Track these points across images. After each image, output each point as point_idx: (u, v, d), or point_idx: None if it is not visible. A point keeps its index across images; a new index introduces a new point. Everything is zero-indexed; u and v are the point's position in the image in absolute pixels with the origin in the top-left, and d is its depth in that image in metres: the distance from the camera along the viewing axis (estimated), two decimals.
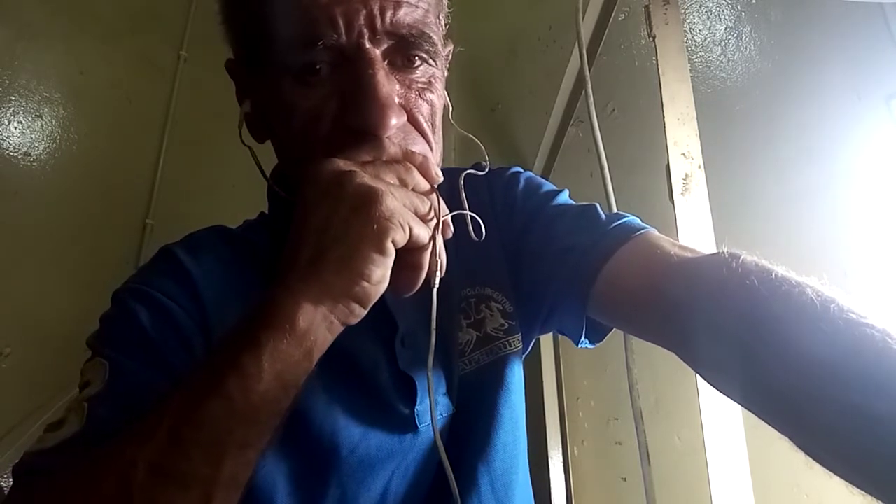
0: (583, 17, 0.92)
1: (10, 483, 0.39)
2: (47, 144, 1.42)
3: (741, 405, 0.38)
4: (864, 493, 0.28)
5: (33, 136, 1.39)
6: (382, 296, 0.51)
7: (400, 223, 0.37)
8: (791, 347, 0.32)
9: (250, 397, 0.33)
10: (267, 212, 0.60)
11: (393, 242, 0.36)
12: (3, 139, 1.33)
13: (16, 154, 1.35)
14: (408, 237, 0.38)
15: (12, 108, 1.37)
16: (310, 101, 0.43)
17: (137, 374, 0.44)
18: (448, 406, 0.52)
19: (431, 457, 0.50)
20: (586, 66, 0.88)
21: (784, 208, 0.91)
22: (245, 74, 0.51)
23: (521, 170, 0.62)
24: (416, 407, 0.49)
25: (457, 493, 0.43)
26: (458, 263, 0.56)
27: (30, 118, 1.40)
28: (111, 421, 0.40)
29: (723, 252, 0.39)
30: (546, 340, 1.28)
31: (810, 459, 0.31)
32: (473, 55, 1.76)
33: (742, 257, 0.38)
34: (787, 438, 0.33)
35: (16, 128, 1.36)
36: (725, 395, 0.39)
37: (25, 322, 1.27)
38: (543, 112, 1.29)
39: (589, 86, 0.84)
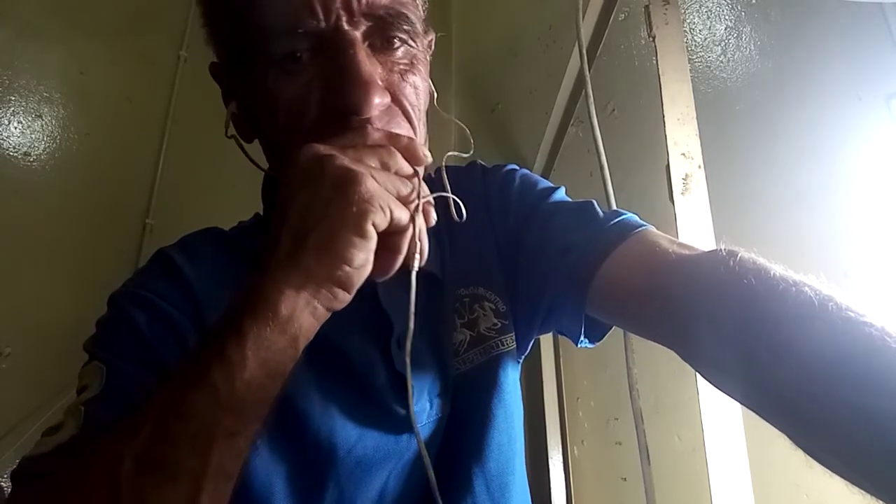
0: (583, 17, 0.92)
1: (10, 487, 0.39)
2: (47, 144, 1.42)
3: (740, 403, 0.38)
4: (863, 491, 0.28)
5: (33, 136, 1.39)
6: (377, 297, 0.51)
7: (380, 206, 0.36)
8: (789, 346, 0.32)
9: (235, 386, 0.33)
10: (262, 213, 0.60)
11: (374, 225, 0.36)
12: (3, 139, 1.33)
13: (16, 154, 1.35)
14: (388, 220, 0.37)
15: (12, 108, 1.36)
16: (293, 90, 0.43)
17: (133, 376, 0.44)
18: (443, 407, 0.51)
19: (428, 456, 0.50)
20: (586, 66, 0.88)
21: (784, 208, 0.91)
22: (229, 75, 0.51)
23: (516, 167, 0.62)
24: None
25: (435, 488, 0.43)
26: (452, 263, 0.56)
27: (30, 118, 1.39)
28: (108, 424, 0.40)
29: (721, 250, 0.39)
30: (546, 340, 1.28)
31: (810, 459, 0.31)
32: (473, 55, 1.76)
33: (740, 255, 0.38)
34: (786, 436, 0.33)
35: (16, 128, 1.36)
36: (725, 392, 0.39)
37: (25, 322, 1.27)
38: (543, 112, 1.29)
39: (589, 86, 0.84)
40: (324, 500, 0.46)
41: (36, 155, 1.39)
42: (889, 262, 0.78)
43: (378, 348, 0.50)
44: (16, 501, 0.38)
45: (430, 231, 0.56)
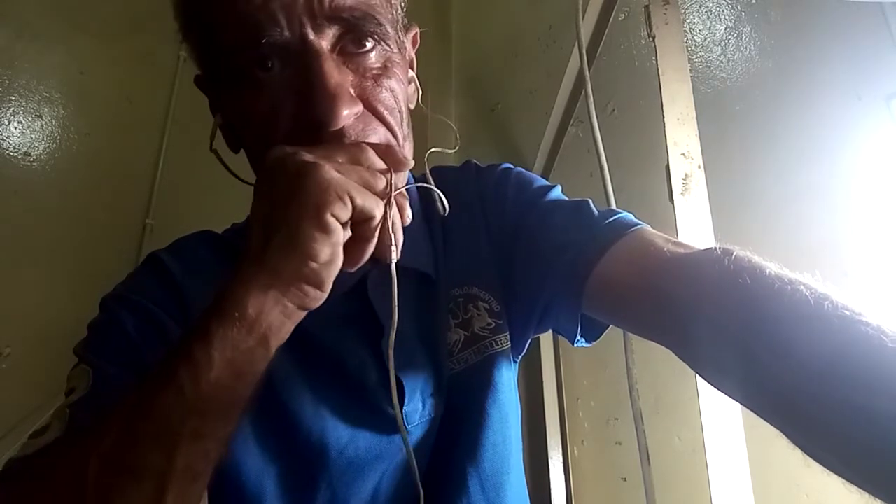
0: (583, 17, 0.92)
1: None
2: (47, 144, 1.42)
3: (738, 402, 0.38)
4: (861, 490, 0.28)
5: (33, 136, 1.39)
6: (367, 297, 0.51)
7: (338, 195, 0.35)
8: (786, 346, 0.32)
9: (201, 386, 0.33)
10: None
11: (335, 216, 0.35)
12: (3, 139, 1.33)
13: (16, 154, 1.35)
14: (350, 209, 0.36)
15: (12, 108, 1.37)
16: (264, 103, 0.43)
17: (120, 379, 0.44)
18: (436, 407, 0.51)
19: (421, 457, 0.50)
20: (586, 66, 0.88)
21: (784, 208, 0.91)
22: (210, 88, 0.51)
23: (511, 166, 0.61)
24: (405, 408, 0.49)
25: (420, 488, 0.44)
26: (446, 263, 0.56)
27: (30, 118, 1.40)
28: None
29: (716, 248, 0.39)
30: (546, 340, 1.28)
31: (808, 458, 0.31)
32: (473, 55, 1.76)
33: (735, 254, 0.38)
34: (784, 436, 0.33)
35: (16, 128, 1.36)
36: (721, 391, 0.39)
37: (25, 322, 1.27)
38: (543, 112, 1.29)
39: (589, 86, 0.84)
40: (316, 501, 0.46)
41: (36, 155, 1.39)
42: (889, 262, 0.78)
43: (369, 349, 0.50)
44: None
45: (424, 231, 0.56)
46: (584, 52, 0.89)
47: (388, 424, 0.49)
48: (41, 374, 1.23)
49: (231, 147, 0.52)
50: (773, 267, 0.36)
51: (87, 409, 0.42)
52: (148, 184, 1.59)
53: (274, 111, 0.43)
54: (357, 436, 0.48)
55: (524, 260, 0.54)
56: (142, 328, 0.47)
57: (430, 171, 0.52)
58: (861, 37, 0.89)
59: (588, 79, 0.85)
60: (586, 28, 0.94)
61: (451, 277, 0.55)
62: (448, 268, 0.56)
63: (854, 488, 0.29)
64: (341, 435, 0.48)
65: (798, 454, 0.32)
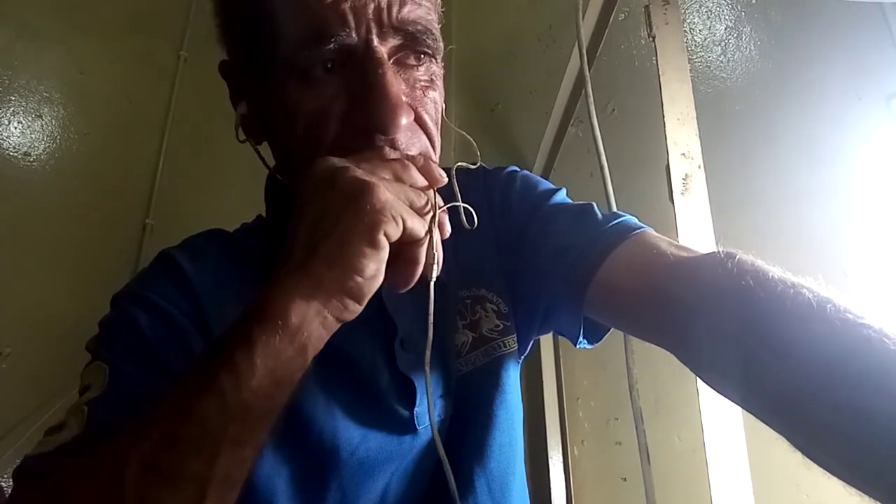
0: (583, 17, 0.92)
1: (11, 485, 0.39)
2: (47, 144, 1.42)
3: (739, 406, 0.38)
4: (861, 492, 0.28)
5: (33, 136, 1.39)
6: (381, 299, 0.51)
7: (392, 216, 0.36)
8: (788, 348, 0.32)
9: (243, 394, 0.33)
10: (264, 214, 0.60)
11: (386, 236, 0.36)
12: (3, 139, 1.33)
13: (16, 154, 1.35)
14: (401, 230, 0.37)
15: (12, 108, 1.37)
16: (315, 102, 0.43)
17: (136, 377, 0.44)
18: (446, 408, 0.52)
19: (430, 458, 0.50)
20: (586, 66, 0.88)
21: (784, 208, 0.91)
22: (241, 76, 0.50)
23: (517, 169, 0.62)
24: (416, 409, 0.49)
25: (455, 492, 0.43)
26: (454, 265, 0.56)
27: (30, 118, 1.40)
28: (110, 424, 0.40)
29: (719, 252, 0.39)
30: (546, 340, 1.28)
31: (807, 459, 0.31)
32: (473, 55, 1.76)
33: (738, 257, 0.38)
34: (784, 439, 0.33)
35: (16, 128, 1.36)
36: (723, 395, 0.39)
37: (25, 322, 1.27)
38: (543, 112, 1.29)
39: (589, 86, 0.84)
40: (326, 502, 0.46)
41: (36, 155, 1.39)
42: (889, 262, 0.78)
43: (382, 350, 0.50)
44: (18, 500, 0.38)
45: None
46: (584, 52, 0.89)
47: (399, 425, 0.49)
48: (41, 374, 1.23)
49: (254, 138, 0.51)
50: (776, 270, 0.36)
51: (106, 408, 0.42)
52: (148, 184, 1.59)
53: (322, 110, 0.43)
54: (368, 436, 0.48)
55: (528, 262, 0.54)
56: (154, 325, 0.47)
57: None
58: (861, 37, 0.89)
59: (588, 79, 0.85)
60: (586, 28, 0.94)
61: (459, 279, 0.56)
62: (456, 269, 0.56)
63: (853, 489, 0.29)
64: (353, 435, 0.48)
65: (798, 454, 0.32)
